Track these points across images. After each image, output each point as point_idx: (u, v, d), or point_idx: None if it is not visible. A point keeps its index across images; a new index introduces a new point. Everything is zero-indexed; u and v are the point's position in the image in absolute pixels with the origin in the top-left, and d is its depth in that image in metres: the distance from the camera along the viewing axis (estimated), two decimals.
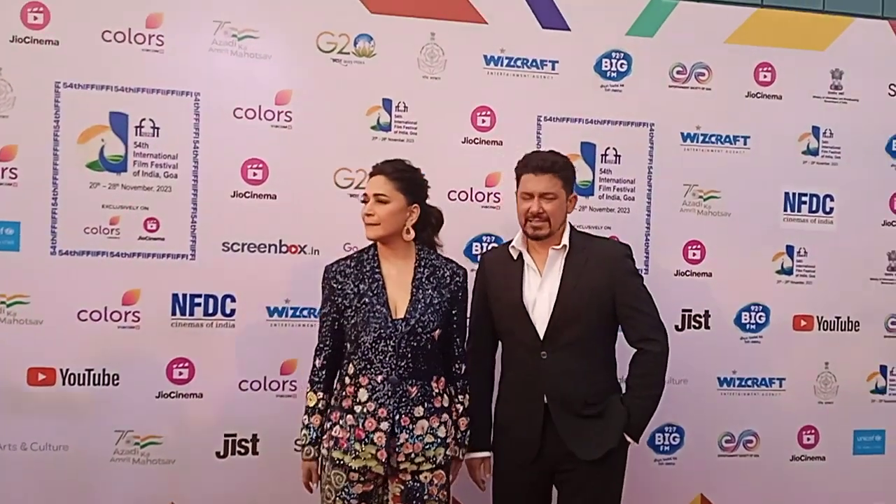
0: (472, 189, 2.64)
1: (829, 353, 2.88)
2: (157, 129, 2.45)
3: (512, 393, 2.21)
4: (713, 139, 2.80)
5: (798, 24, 2.90)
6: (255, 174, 2.51)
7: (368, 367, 2.03)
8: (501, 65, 2.66)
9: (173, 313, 2.47)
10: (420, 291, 2.09)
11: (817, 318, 2.86)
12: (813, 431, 2.88)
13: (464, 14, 2.63)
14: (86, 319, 2.41)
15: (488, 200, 2.65)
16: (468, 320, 2.23)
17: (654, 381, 2.15)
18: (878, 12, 3.29)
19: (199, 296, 2.49)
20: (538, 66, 2.68)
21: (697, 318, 2.78)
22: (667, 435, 2.77)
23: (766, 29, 2.83)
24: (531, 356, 2.16)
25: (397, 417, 2.01)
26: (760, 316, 2.83)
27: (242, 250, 2.50)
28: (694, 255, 2.79)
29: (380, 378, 2.02)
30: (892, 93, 2.94)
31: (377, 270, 2.10)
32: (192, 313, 2.48)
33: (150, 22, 2.44)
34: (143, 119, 2.44)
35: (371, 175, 2.13)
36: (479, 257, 2.42)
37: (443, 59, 2.62)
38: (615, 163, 2.74)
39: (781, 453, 2.85)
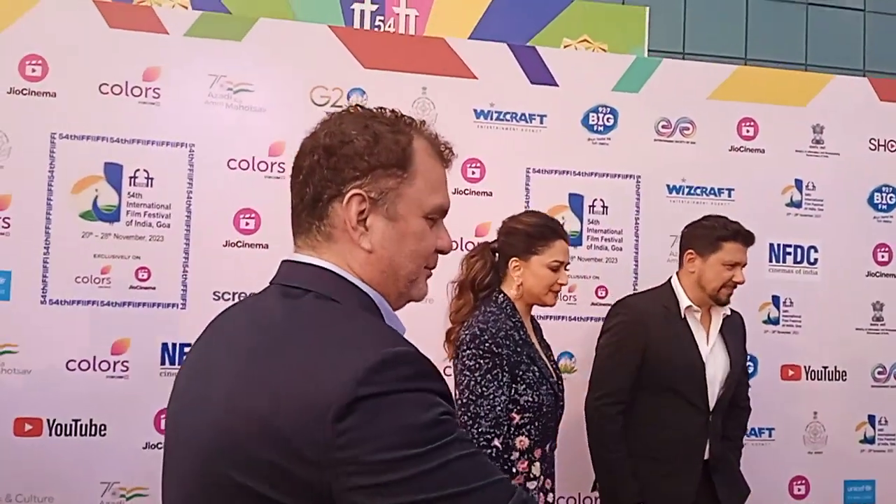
0: (462, 239, 2.67)
1: (817, 403, 2.90)
2: (152, 179, 2.48)
3: (666, 451, 2.26)
4: (698, 191, 2.86)
5: (779, 80, 2.99)
6: (247, 224, 2.54)
7: (541, 438, 1.96)
8: (491, 118, 2.72)
9: (162, 363, 2.47)
10: (547, 351, 2.13)
11: (804, 367, 2.89)
12: (804, 482, 2.88)
13: (455, 70, 2.70)
14: (74, 369, 2.40)
15: None
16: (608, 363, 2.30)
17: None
18: (860, 67, 3.40)
19: (189, 345, 2.49)
20: (527, 119, 2.75)
21: None
22: None
23: (749, 85, 2.92)
24: (696, 417, 2.28)
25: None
26: (749, 366, 2.85)
27: (233, 299, 2.52)
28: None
29: (548, 447, 2.00)
30: (873, 146, 3.02)
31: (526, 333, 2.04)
32: (181, 363, 2.47)
33: (148, 75, 2.49)
34: (138, 170, 2.47)
35: (559, 239, 2.07)
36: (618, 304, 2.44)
37: (434, 112, 2.68)
38: (603, 213, 2.79)
39: None
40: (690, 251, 2.38)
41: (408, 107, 2.63)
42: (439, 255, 1.06)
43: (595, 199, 2.79)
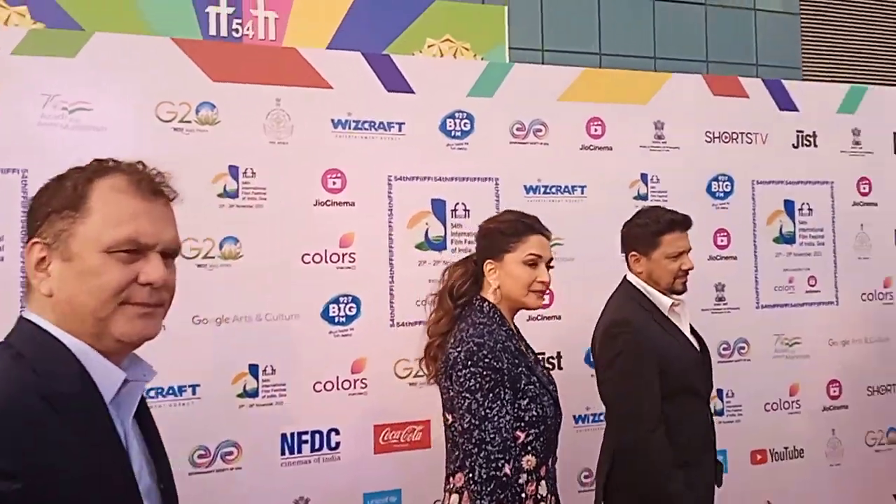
0: (326, 251, 2.65)
1: None
2: None
3: (693, 451, 2.20)
4: (553, 190, 2.97)
5: (623, 80, 3.16)
6: None
7: (546, 453, 1.82)
8: (349, 128, 2.71)
9: None
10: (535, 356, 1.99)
11: None
12: None
13: (309, 80, 2.66)
14: None
15: (343, 261, 2.67)
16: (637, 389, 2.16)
17: None
18: (703, 58, 3.63)
19: None
20: (385, 127, 2.75)
21: (550, 360, 2.92)
22: None
23: (595, 86, 3.06)
24: (704, 408, 2.27)
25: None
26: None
27: None
28: (544, 299, 2.92)
29: (551, 462, 1.87)
30: (708, 139, 3.25)
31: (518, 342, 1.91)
32: None
33: None
34: None
35: (533, 233, 1.94)
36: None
37: (290, 124, 2.63)
38: (465, 217, 2.85)
39: None
40: (634, 253, 2.38)
41: (262, 119, 2.59)
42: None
43: (457, 204, 2.84)
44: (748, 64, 4.03)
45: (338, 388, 2.61)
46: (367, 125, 2.73)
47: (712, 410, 2.39)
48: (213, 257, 2.50)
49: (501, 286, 1.90)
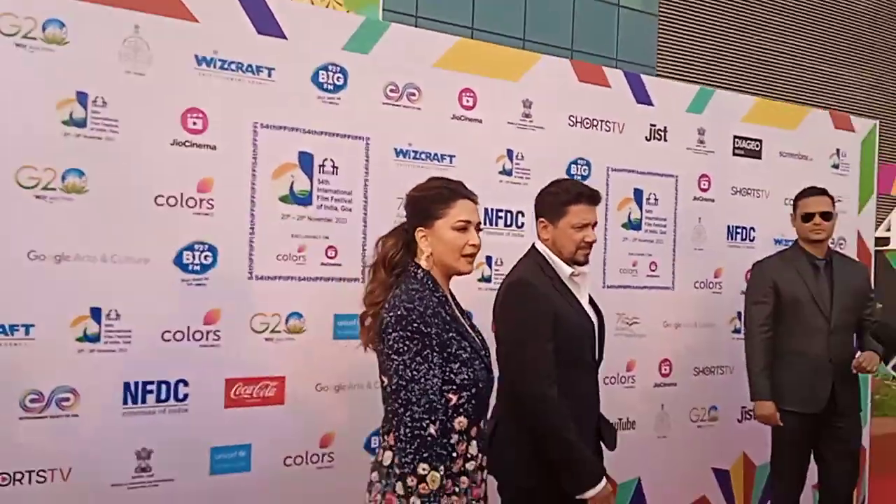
0: (182, 194, 2.50)
1: None
2: None
3: (584, 421, 2.30)
4: (423, 156, 2.98)
5: (496, 55, 3.21)
6: None
7: (477, 415, 1.91)
8: (215, 67, 2.56)
9: None
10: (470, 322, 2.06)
11: None
12: None
13: (173, 10, 2.49)
14: None
15: (201, 207, 2.53)
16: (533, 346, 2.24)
17: None
18: (568, 46, 3.76)
19: None
20: (254, 71, 2.63)
21: None
22: None
23: (469, 57, 3.09)
24: (592, 377, 2.41)
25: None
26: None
27: None
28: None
29: (482, 423, 1.95)
30: (571, 123, 3.38)
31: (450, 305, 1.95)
32: None
33: None
34: None
35: (460, 198, 1.96)
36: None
37: (149, 54, 2.45)
38: (333, 174, 2.79)
39: None
40: (542, 219, 2.44)
41: (117, 46, 2.40)
42: None
43: (325, 159, 2.77)
44: (608, 57, 4.25)
45: (188, 339, 2.47)
46: (233, 66, 2.59)
47: (597, 381, 2.44)
48: (54, 189, 2.28)
49: (434, 252, 1.94)
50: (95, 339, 2.33)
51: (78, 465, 2.31)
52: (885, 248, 6.00)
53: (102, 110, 2.38)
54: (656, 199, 3.59)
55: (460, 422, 1.85)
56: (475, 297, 3.02)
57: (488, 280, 3.12)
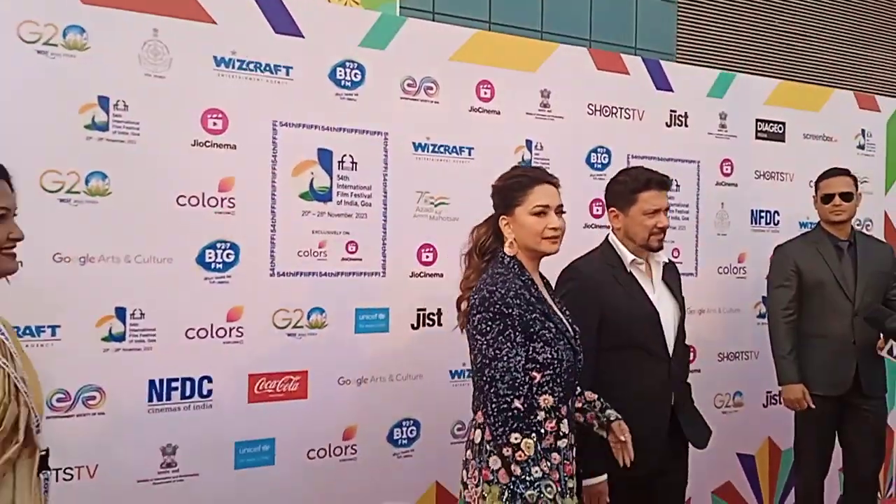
0: (203, 194, 2.53)
1: None
2: None
3: (637, 406, 2.30)
4: (442, 149, 2.98)
5: (513, 46, 3.20)
6: None
7: (565, 394, 1.97)
8: (233, 67, 2.59)
9: None
10: (561, 306, 2.11)
11: None
12: None
13: (190, 12, 2.51)
14: None
15: (222, 206, 2.56)
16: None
17: None
18: (587, 36, 3.74)
19: None
20: (272, 70, 2.65)
21: (431, 317, 2.94)
22: (404, 429, 2.89)
23: (486, 50, 3.08)
24: (657, 365, 2.39)
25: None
26: None
27: None
28: (427, 257, 2.94)
29: (571, 403, 2.01)
30: (590, 111, 3.36)
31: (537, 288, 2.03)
32: None
33: None
34: None
35: (538, 184, 2.04)
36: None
37: (168, 57, 2.48)
38: (352, 169, 2.80)
39: None
40: (612, 209, 2.49)
41: (137, 49, 2.43)
42: None
43: (344, 155, 2.78)
44: (627, 46, 4.21)
45: (212, 336, 2.51)
46: (252, 66, 2.62)
47: (672, 369, 2.42)
48: (79, 192, 2.33)
49: (516, 238, 2.02)
50: (121, 338, 2.38)
51: (104, 462, 2.36)
52: None
53: (124, 113, 2.42)
54: (678, 185, 3.55)
55: (545, 399, 1.92)
56: None
57: None
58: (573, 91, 3.29)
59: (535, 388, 1.90)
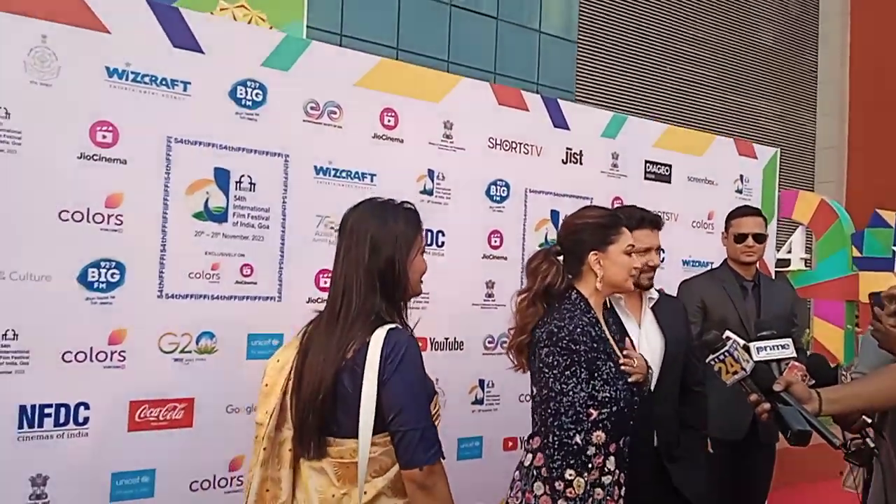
0: (89, 209, 2.41)
1: (440, 371, 3.21)
2: None
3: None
4: (344, 174, 2.97)
5: (417, 76, 3.24)
6: None
7: (617, 432, 1.99)
8: (126, 79, 2.49)
9: None
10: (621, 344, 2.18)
11: (430, 339, 3.19)
12: None
13: (82, 20, 2.40)
14: None
15: (108, 222, 2.44)
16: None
17: None
18: (491, 69, 3.82)
19: None
20: (168, 85, 2.57)
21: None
22: None
23: (390, 78, 3.10)
24: (640, 403, 2.26)
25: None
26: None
27: None
28: (325, 283, 2.90)
29: (622, 441, 2.02)
30: (491, 145, 3.44)
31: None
32: None
33: None
34: None
35: (624, 225, 2.15)
36: None
37: (56, 65, 2.36)
38: (250, 190, 2.74)
39: None
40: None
41: (22, 55, 2.30)
42: None
43: (242, 175, 2.72)
44: (530, 81, 4.35)
45: (91, 360, 2.37)
46: (147, 79, 2.53)
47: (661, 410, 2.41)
48: None
49: (606, 274, 2.09)
50: None
51: None
52: (785, 269, 6.34)
53: (5, 122, 2.28)
54: None
55: (598, 436, 1.95)
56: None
57: None
58: (475, 124, 3.35)
59: (589, 425, 1.94)
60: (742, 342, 1.91)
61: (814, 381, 2.18)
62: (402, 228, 1.82)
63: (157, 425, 2.49)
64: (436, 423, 1.77)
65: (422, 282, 1.92)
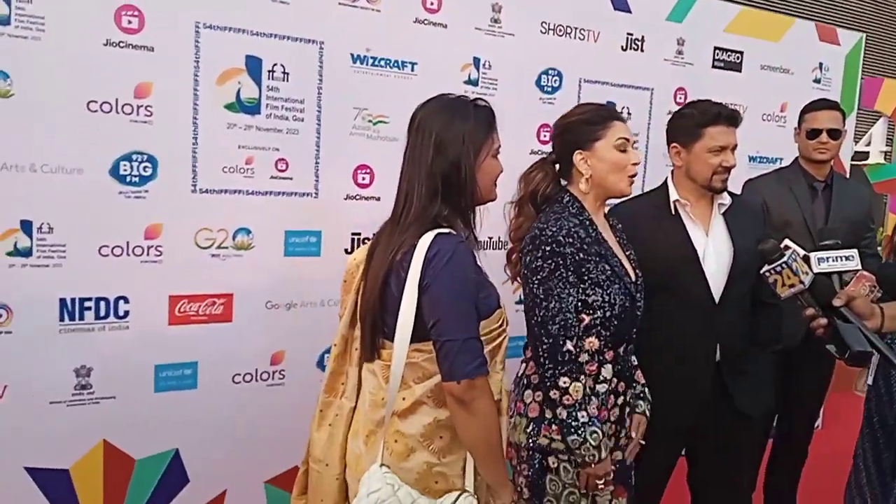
0: (117, 100, 2.33)
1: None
2: None
3: (674, 352, 2.23)
4: (382, 63, 2.80)
5: None
6: None
7: (614, 339, 1.90)
8: None
9: None
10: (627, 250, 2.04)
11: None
12: None
13: None
14: None
15: (138, 114, 2.36)
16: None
17: None
18: None
19: None
20: None
21: (366, 242, 2.81)
22: None
23: None
24: (700, 314, 2.21)
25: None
26: None
27: None
28: (363, 179, 2.81)
29: (622, 349, 1.93)
30: (543, 30, 3.19)
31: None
32: None
33: None
34: None
35: (616, 119, 1.94)
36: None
37: None
38: (283, 81, 2.62)
39: None
40: (674, 144, 2.28)
41: None
42: None
43: (275, 64, 2.59)
44: None
45: (128, 254, 2.36)
46: None
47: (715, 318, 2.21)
48: None
49: (594, 174, 1.91)
50: (27, 253, 2.22)
51: (14, 383, 2.24)
52: (863, 161, 5.91)
53: (28, 6, 2.18)
54: (630, 113, 3.45)
55: (591, 342, 1.84)
56: None
57: None
58: (525, 7, 3.11)
59: (581, 330, 1.82)
60: (802, 252, 1.73)
61: (882, 293, 2.00)
62: (470, 128, 1.65)
63: (196, 319, 2.49)
64: (500, 340, 1.65)
65: (496, 186, 1.75)
